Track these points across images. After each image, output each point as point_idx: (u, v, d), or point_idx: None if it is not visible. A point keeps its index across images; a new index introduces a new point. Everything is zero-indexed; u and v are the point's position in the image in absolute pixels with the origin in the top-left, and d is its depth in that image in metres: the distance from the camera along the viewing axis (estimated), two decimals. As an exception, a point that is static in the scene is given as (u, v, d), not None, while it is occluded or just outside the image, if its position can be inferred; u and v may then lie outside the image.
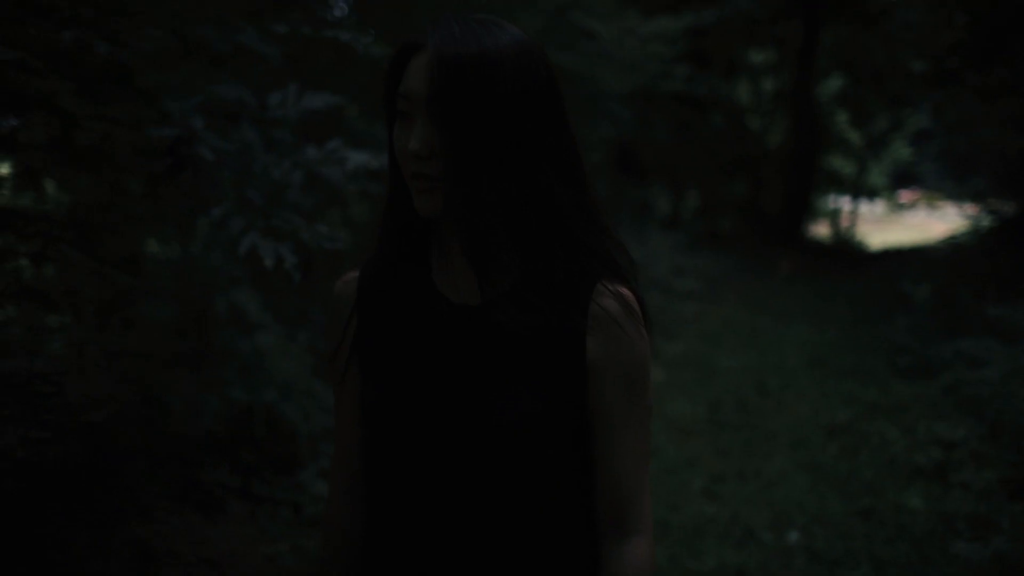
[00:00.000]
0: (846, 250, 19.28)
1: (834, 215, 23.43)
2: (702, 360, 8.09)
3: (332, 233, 2.59)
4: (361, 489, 1.42)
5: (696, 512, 4.57)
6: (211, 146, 2.43)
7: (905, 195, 31.78)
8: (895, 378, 7.05)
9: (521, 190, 1.26)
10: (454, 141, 1.22)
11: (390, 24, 7.45)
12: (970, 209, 12.01)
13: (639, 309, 1.32)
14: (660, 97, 13.19)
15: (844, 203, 24.62)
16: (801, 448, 5.51)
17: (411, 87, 1.25)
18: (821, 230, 22.00)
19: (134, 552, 3.35)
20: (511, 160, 1.25)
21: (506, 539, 1.29)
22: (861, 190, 24.59)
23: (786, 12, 16.92)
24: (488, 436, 1.28)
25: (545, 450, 1.29)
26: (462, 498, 1.29)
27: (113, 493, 3.63)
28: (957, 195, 13.58)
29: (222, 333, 4.36)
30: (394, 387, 1.34)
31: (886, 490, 4.72)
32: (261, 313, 4.45)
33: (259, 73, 3.93)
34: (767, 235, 17.59)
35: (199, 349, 4.17)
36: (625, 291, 1.31)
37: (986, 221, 11.28)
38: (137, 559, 3.34)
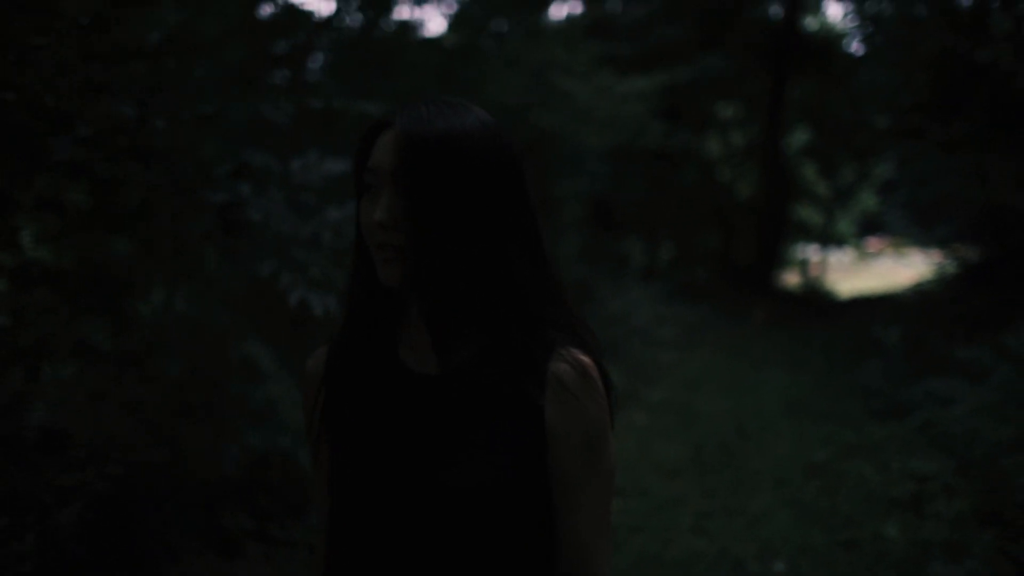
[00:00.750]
0: (816, 298, 19.69)
1: (803, 264, 23.93)
2: (683, 405, 8.37)
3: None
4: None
5: (686, 546, 4.81)
6: (258, 209, 2.70)
7: (872, 243, 32.38)
8: (869, 419, 7.35)
9: (482, 263, 1.29)
10: (417, 211, 1.26)
11: (371, 86, 7.79)
12: (936, 256, 12.42)
13: (598, 375, 1.33)
14: (636, 153, 13.61)
15: (813, 252, 25.15)
16: (783, 486, 5.79)
17: (378, 161, 1.30)
18: (791, 279, 22.44)
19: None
20: (473, 233, 1.28)
21: None
22: (829, 239, 25.15)
23: (754, 70, 17.44)
24: (444, 504, 1.29)
25: (503, 517, 1.29)
26: (419, 565, 1.30)
27: (141, 538, 3.85)
28: (923, 242, 13.98)
29: (234, 384, 4.59)
30: (353, 456, 1.35)
31: (865, 522, 4.99)
32: (271, 364, 4.69)
33: (272, 137, 4.24)
34: (740, 285, 17.97)
35: (213, 399, 4.40)
36: (583, 358, 1.32)
37: (952, 267, 11.67)
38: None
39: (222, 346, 4.62)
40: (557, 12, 13.73)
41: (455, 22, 11.34)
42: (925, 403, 6.73)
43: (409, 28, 9.84)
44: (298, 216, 3.28)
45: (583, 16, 13.34)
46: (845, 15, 16.22)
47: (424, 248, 1.27)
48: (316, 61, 8.50)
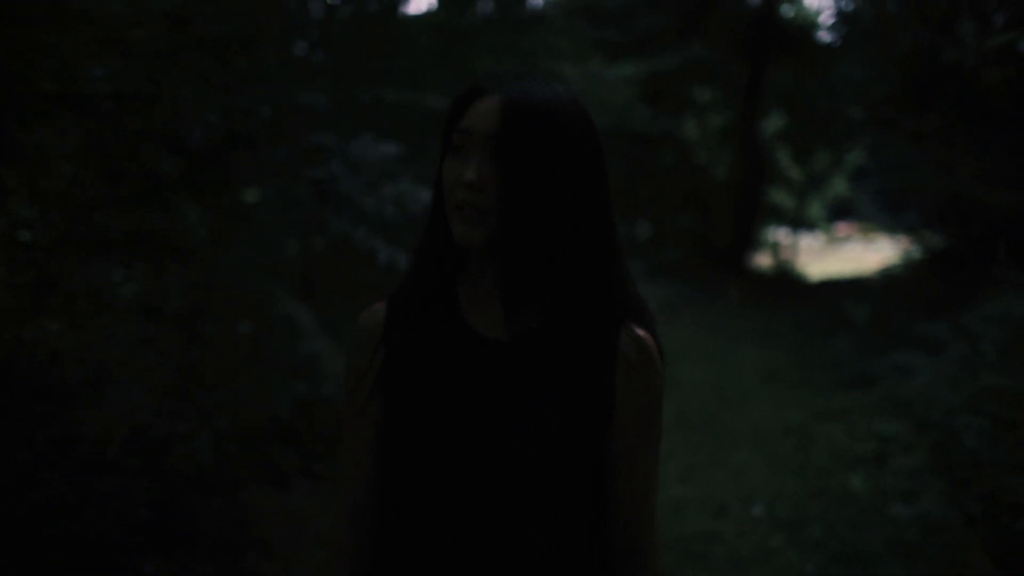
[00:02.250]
0: (788, 280, 20.33)
1: (776, 246, 24.57)
2: (666, 374, 8.97)
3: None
4: (366, 524, 1.44)
5: (675, 492, 5.43)
6: (346, 184, 3.26)
7: (842, 228, 33.04)
8: (838, 388, 8.01)
9: (565, 232, 1.34)
10: (515, 176, 1.30)
11: (366, 64, 8.20)
12: (903, 242, 13.02)
13: (658, 351, 1.41)
14: (620, 135, 14.17)
15: (785, 235, 25.81)
16: (761, 444, 6.42)
17: (474, 124, 1.33)
18: (764, 260, 23.06)
19: (238, 516, 4.10)
20: (562, 203, 1.33)
21: (526, 566, 1.34)
22: (801, 223, 25.78)
23: (733, 57, 18.00)
24: (514, 469, 1.32)
25: (567, 482, 1.34)
26: (485, 527, 1.33)
27: (207, 472, 4.42)
28: (891, 228, 14.55)
29: (277, 341, 5.13)
30: (422, 420, 1.36)
31: (834, 474, 5.64)
32: (311, 323, 5.22)
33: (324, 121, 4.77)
34: (715, 264, 18.58)
35: (262, 354, 4.93)
36: (646, 335, 1.39)
37: (917, 253, 12.27)
38: (240, 523, 4.09)
39: (265, 307, 5.16)
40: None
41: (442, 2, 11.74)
42: (889, 374, 7.39)
43: (395, 5, 10.17)
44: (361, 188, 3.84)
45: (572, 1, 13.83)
46: (820, 12, 16.81)
47: (516, 212, 1.30)
48: (309, 38, 8.82)
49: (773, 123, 21.75)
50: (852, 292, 13.26)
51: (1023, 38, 3.30)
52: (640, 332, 1.38)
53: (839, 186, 25.36)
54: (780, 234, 24.93)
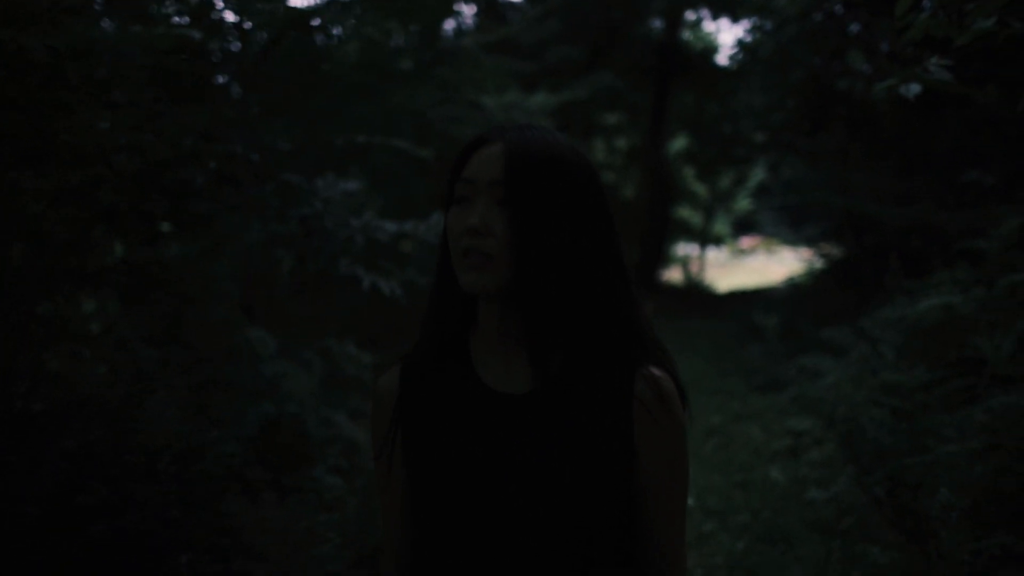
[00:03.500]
0: (698, 293, 21.14)
1: (685, 261, 25.47)
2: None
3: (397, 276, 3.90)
4: None
5: (614, 491, 5.93)
6: (331, 220, 3.70)
7: (746, 241, 34.21)
8: (753, 392, 8.64)
9: (576, 277, 1.35)
10: (522, 220, 1.32)
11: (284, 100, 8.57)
12: (806, 254, 13.78)
13: (676, 391, 1.41)
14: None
15: (693, 250, 26.74)
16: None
17: (476, 172, 1.35)
18: (674, 275, 23.89)
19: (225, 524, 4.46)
20: (572, 244, 1.34)
21: None
22: (708, 238, 26.76)
23: (640, 82, 18.78)
24: (542, 521, 1.33)
25: (595, 526, 1.34)
26: None
27: (183, 483, 4.78)
28: (793, 241, 15.39)
29: (241, 363, 5.49)
30: (445, 482, 1.37)
31: (754, 468, 6.21)
32: (270, 348, 5.60)
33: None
34: (627, 280, 19.18)
35: (231, 376, 5.29)
36: (664, 377, 1.39)
37: (819, 264, 13.02)
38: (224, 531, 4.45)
39: (228, 334, 5.52)
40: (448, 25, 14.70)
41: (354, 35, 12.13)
42: (798, 377, 8.03)
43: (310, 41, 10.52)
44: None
45: (487, 34, 14.38)
46: (718, 36, 17.61)
47: (527, 256, 1.32)
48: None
49: (678, 144, 22.62)
50: (760, 303, 14.00)
51: (904, 82, 3.86)
52: (657, 372, 1.39)
53: (743, 203, 26.38)
54: (688, 249, 25.83)
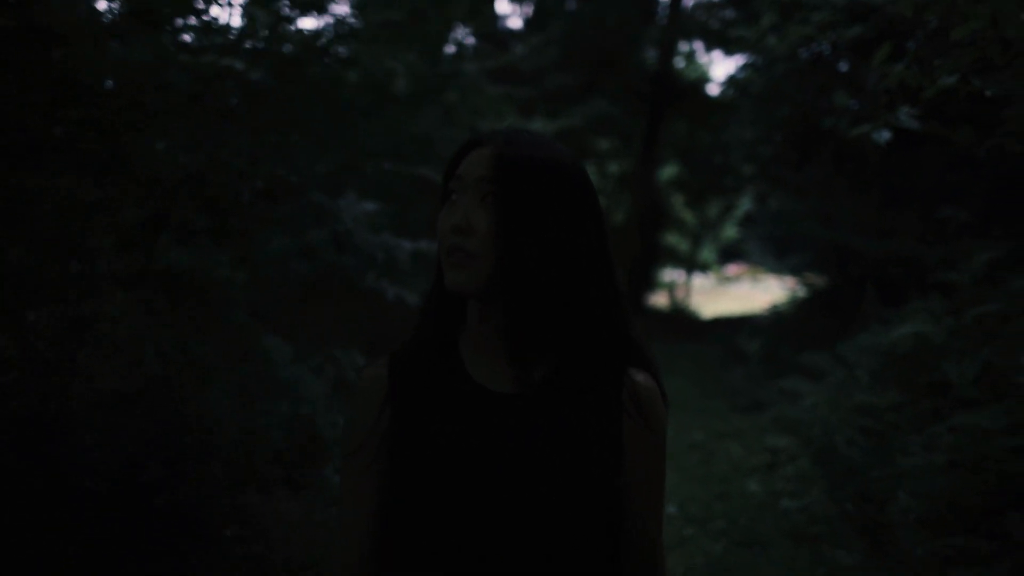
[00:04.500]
0: (684, 318, 21.53)
1: (671, 287, 25.90)
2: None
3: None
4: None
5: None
6: (360, 237, 4.10)
7: (732, 269, 34.68)
8: (734, 413, 9.05)
9: (561, 279, 1.34)
10: (506, 218, 1.31)
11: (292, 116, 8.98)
12: (790, 282, 14.16)
13: (661, 394, 1.45)
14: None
15: (679, 276, 27.19)
16: (670, 458, 7.31)
17: (466, 170, 1.36)
18: (660, 300, 24.28)
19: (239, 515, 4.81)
20: (554, 249, 1.33)
21: None
22: (695, 265, 27.21)
23: (633, 110, 19.25)
24: (529, 520, 1.33)
25: (581, 526, 1.35)
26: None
27: (205, 480, 5.14)
28: (778, 270, 15.71)
29: (258, 367, 5.85)
30: (432, 478, 1.36)
31: (733, 480, 6.60)
32: (285, 354, 5.97)
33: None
34: (616, 304, 19.54)
35: (247, 379, 5.66)
36: (649, 379, 1.43)
37: (802, 293, 13.39)
38: (241, 519, 4.80)
39: (246, 339, 5.88)
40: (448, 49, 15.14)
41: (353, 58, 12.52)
42: (778, 398, 8.45)
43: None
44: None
45: (488, 60, 14.81)
46: (709, 67, 18.08)
47: (508, 254, 1.31)
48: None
49: (669, 171, 23.07)
50: (744, 328, 14.41)
51: (876, 129, 4.28)
52: (642, 377, 1.42)
53: (730, 231, 26.82)
54: (676, 275, 26.26)
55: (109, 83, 3.72)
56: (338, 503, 1.45)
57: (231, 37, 4.53)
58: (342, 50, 7.08)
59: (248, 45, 4.80)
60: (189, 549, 3.20)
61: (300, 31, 5.10)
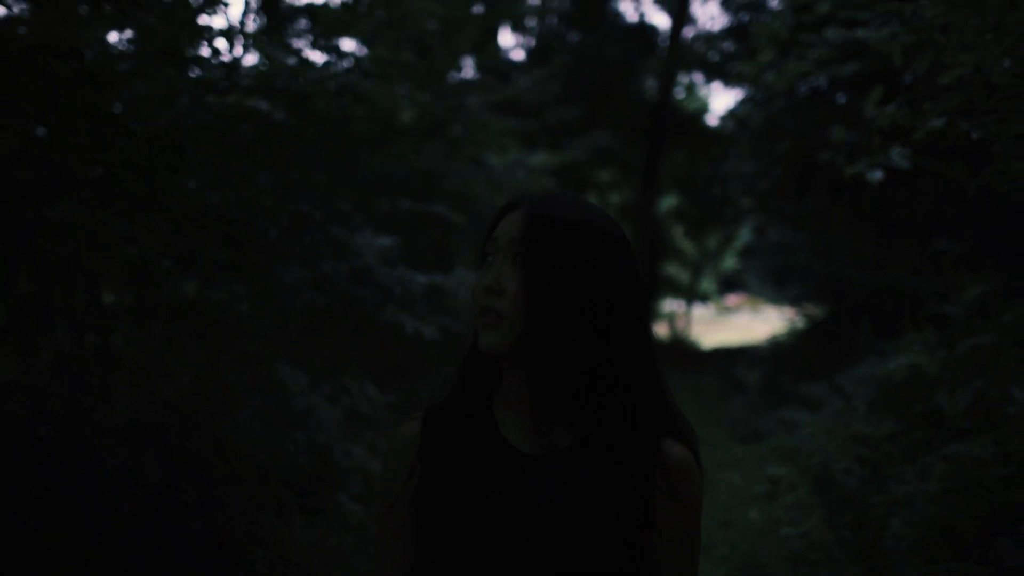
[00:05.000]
0: (684, 348, 21.63)
1: (671, 317, 26.03)
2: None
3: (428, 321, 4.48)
4: None
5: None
6: (378, 271, 4.29)
7: (731, 299, 34.88)
8: (735, 442, 9.20)
9: (591, 344, 1.33)
10: (536, 280, 1.31)
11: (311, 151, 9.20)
12: (789, 313, 14.31)
13: (696, 464, 1.41)
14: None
15: (679, 306, 27.33)
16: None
17: (500, 233, 1.37)
18: (660, 331, 24.39)
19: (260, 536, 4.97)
20: (585, 313, 1.32)
21: None
22: (695, 295, 27.38)
23: (633, 141, 19.51)
24: None
25: None
26: None
27: (225, 506, 5.29)
28: (777, 300, 15.89)
29: (276, 396, 6.02)
30: (461, 537, 1.35)
31: (735, 509, 6.75)
32: (300, 384, 6.14)
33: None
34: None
35: (265, 408, 5.83)
36: (685, 451, 1.39)
37: (801, 323, 13.50)
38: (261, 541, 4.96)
39: (261, 369, 6.06)
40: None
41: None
42: (777, 428, 8.60)
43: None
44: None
45: (492, 94, 15.07)
46: (708, 98, 18.36)
47: (537, 316, 1.31)
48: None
49: (669, 202, 23.29)
50: (743, 359, 14.56)
51: (870, 168, 4.48)
52: (676, 450, 1.39)
53: (729, 262, 27.00)
54: (675, 305, 26.41)
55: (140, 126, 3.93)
56: (373, 561, 1.48)
57: (252, 75, 4.75)
58: (354, 87, 7.32)
59: (273, 84, 5.01)
60: (223, 572, 3.37)
61: (316, 68, 5.32)
